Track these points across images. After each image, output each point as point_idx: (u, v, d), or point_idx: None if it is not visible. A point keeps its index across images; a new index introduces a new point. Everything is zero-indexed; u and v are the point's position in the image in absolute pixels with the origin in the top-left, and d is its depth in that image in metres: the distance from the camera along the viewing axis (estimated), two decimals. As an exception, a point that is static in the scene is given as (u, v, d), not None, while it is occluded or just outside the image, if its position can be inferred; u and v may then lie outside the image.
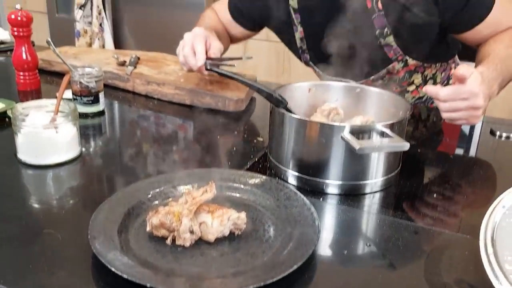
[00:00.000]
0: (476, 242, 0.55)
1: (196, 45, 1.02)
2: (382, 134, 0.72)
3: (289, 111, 0.79)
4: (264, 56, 2.62)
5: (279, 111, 0.77)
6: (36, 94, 1.17)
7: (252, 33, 1.29)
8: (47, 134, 0.77)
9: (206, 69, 1.01)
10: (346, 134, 0.70)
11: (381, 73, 1.11)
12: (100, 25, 2.55)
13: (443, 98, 0.81)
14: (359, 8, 1.02)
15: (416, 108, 1.17)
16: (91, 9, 2.54)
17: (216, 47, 1.04)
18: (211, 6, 1.34)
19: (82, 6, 2.51)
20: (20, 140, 0.78)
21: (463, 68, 0.77)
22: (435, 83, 1.19)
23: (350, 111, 0.91)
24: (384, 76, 1.12)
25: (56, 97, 1.08)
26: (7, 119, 0.97)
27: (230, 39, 1.29)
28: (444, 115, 0.84)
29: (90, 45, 2.58)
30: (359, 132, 0.71)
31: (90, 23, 2.56)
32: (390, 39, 1.04)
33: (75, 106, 0.82)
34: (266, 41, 2.56)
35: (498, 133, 1.01)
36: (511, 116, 2.11)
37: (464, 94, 0.80)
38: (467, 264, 0.58)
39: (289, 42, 1.22)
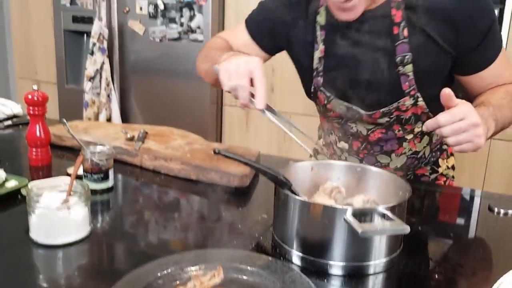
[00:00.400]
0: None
1: (256, 80, 0.93)
2: (384, 216, 0.74)
3: (293, 192, 0.82)
4: (266, 126, 2.69)
5: (284, 193, 0.81)
6: (47, 169, 1.21)
7: (267, 56, 1.27)
8: (60, 215, 0.80)
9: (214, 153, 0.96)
10: (349, 216, 0.73)
11: (391, 107, 1.11)
12: (108, 96, 2.65)
13: (443, 123, 0.87)
14: (384, 33, 1.06)
15: (416, 184, 1.21)
16: (100, 81, 2.65)
17: (263, 91, 0.94)
18: (215, 35, 1.32)
19: (91, 78, 2.63)
20: (34, 220, 0.81)
21: (447, 89, 0.87)
22: (430, 141, 1.22)
23: (352, 189, 0.94)
24: (392, 112, 1.12)
25: (67, 174, 1.13)
26: (19, 196, 1.01)
27: None
28: (450, 140, 0.89)
29: (97, 115, 2.66)
30: (361, 215, 0.74)
31: (99, 94, 2.66)
32: (409, 68, 1.06)
33: (88, 186, 0.86)
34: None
35: (496, 209, 1.04)
36: (508, 191, 2.15)
37: (460, 114, 0.87)
38: None
39: (304, 63, 1.19)
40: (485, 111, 0.97)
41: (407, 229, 0.71)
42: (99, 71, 2.64)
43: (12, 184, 1.02)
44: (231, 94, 0.97)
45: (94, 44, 2.60)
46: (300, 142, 0.96)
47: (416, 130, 1.18)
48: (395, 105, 1.10)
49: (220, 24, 2.60)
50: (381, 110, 1.12)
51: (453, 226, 1.02)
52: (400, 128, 1.16)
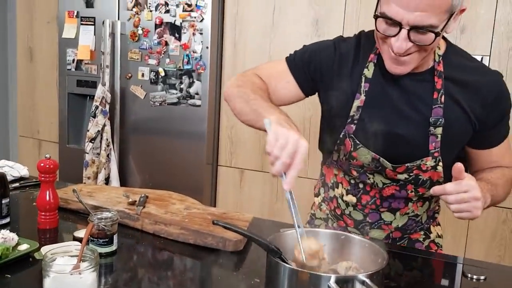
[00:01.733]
0: None
1: (295, 162, 0.94)
2: (363, 283, 0.84)
3: (283, 259, 0.92)
4: (259, 186, 2.80)
5: (274, 260, 0.90)
6: (54, 232, 1.29)
7: (302, 97, 1.34)
8: (73, 279, 0.88)
9: (213, 223, 1.05)
10: (332, 283, 0.82)
11: (415, 163, 1.21)
12: (108, 156, 2.76)
13: (450, 191, 1.03)
14: (424, 95, 1.20)
15: (397, 250, 1.30)
16: (101, 141, 2.77)
17: (295, 175, 0.95)
18: (251, 71, 1.35)
19: (92, 139, 2.75)
20: (48, 283, 0.89)
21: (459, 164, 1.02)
22: (429, 207, 1.34)
23: (336, 256, 1.04)
24: (413, 170, 1.22)
25: (73, 237, 1.21)
26: (30, 259, 1.09)
27: None
28: (453, 207, 1.04)
29: (96, 174, 2.76)
30: (344, 282, 0.83)
31: (98, 154, 2.78)
32: (439, 131, 1.19)
33: (97, 252, 0.95)
34: (261, 171, 2.77)
35: (469, 275, 1.13)
36: (490, 247, 2.24)
37: (465, 186, 1.02)
38: None
39: (341, 110, 1.26)
40: (485, 186, 1.13)
41: (383, 295, 0.80)
42: (100, 132, 2.77)
43: (24, 247, 1.10)
44: (267, 156, 0.98)
45: (96, 107, 2.75)
46: (301, 242, 0.96)
47: (426, 194, 1.29)
48: (418, 162, 1.21)
49: (217, 91, 2.77)
50: (406, 165, 1.22)
51: (430, 291, 1.11)
52: (413, 189, 1.26)
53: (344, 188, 1.34)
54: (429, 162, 1.21)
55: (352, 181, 1.32)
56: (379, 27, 1.12)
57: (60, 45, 3.01)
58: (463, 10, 1.11)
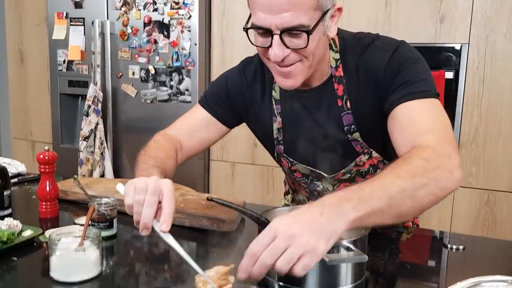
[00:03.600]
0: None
1: (165, 199, 0.92)
2: (347, 249, 0.91)
3: (273, 231, 0.98)
4: (251, 178, 2.86)
5: (265, 232, 0.97)
6: (55, 220, 1.35)
7: (227, 130, 1.34)
8: (77, 256, 0.95)
9: (207, 199, 1.11)
10: (318, 249, 0.89)
11: (350, 166, 1.23)
12: (102, 154, 2.82)
13: (257, 252, 0.79)
14: (331, 105, 1.17)
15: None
16: (94, 140, 2.83)
17: (171, 213, 0.92)
18: (158, 133, 1.39)
19: (86, 138, 2.80)
20: (54, 260, 0.95)
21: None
22: None
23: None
24: (352, 169, 1.24)
25: (74, 223, 1.27)
26: (34, 244, 1.15)
27: (187, 153, 1.33)
28: (282, 270, 0.78)
29: (91, 172, 2.81)
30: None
31: (93, 152, 2.83)
32: (357, 135, 1.18)
33: (99, 232, 1.01)
34: (252, 164, 2.84)
35: (449, 245, 1.21)
36: (474, 228, 2.33)
37: (268, 233, 0.79)
38: None
39: (265, 134, 1.29)
40: (333, 197, 0.84)
41: (365, 257, 0.87)
42: (93, 131, 2.82)
43: (28, 233, 1.16)
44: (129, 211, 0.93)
45: (89, 107, 2.80)
46: (196, 266, 0.91)
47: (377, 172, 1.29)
48: (353, 164, 1.24)
49: (206, 87, 2.83)
50: (342, 171, 1.25)
51: (412, 259, 1.18)
52: (362, 179, 1.28)
53: (303, 196, 1.41)
54: (363, 158, 1.23)
55: (307, 189, 1.36)
56: (255, 41, 1.07)
57: (51, 47, 3.06)
58: (339, 9, 1.07)
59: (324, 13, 1.02)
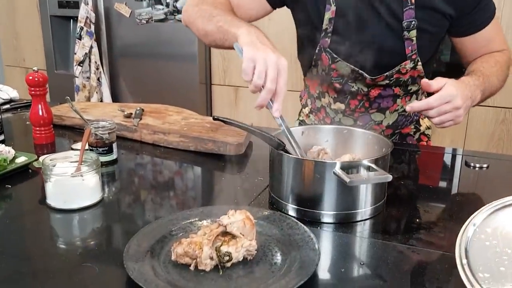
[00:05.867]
0: (454, 257, 0.65)
1: (280, 85, 0.89)
2: (368, 169, 0.83)
3: (287, 152, 0.90)
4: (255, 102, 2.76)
5: (278, 152, 0.89)
6: (51, 147, 1.27)
7: (270, 10, 1.26)
8: (75, 182, 0.87)
9: (213, 119, 1.01)
10: (337, 169, 0.81)
11: (394, 70, 1.19)
12: (98, 79, 2.69)
13: (432, 105, 1.00)
14: None
15: (400, 146, 1.30)
16: (89, 65, 2.69)
17: (282, 99, 0.91)
18: None
19: (80, 63, 2.66)
20: (50, 188, 0.88)
21: (428, 81, 1.01)
22: (416, 99, 1.31)
23: (340, 150, 1.03)
24: (393, 75, 1.21)
25: (72, 149, 1.19)
26: (30, 170, 1.07)
27: None
28: (435, 120, 1.02)
29: (88, 98, 2.71)
30: (349, 168, 0.82)
31: (89, 77, 2.71)
32: (413, 34, 1.15)
33: (97, 156, 0.93)
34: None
35: (472, 164, 1.13)
36: (487, 148, 2.26)
37: (447, 97, 0.99)
38: (446, 276, 0.69)
39: (312, 23, 1.20)
40: (475, 80, 1.08)
41: (389, 177, 0.79)
42: (88, 55, 2.68)
43: (22, 159, 1.08)
44: (243, 79, 0.92)
45: (81, 29, 2.63)
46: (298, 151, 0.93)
47: (410, 89, 1.26)
48: (397, 68, 1.19)
49: (205, 4, 2.65)
50: (385, 74, 1.20)
51: (433, 180, 1.11)
52: (399, 89, 1.25)
53: (331, 97, 1.32)
54: (408, 65, 1.19)
55: (338, 89, 1.29)
56: None
57: (36, -36, 2.84)
58: None
59: None
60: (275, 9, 1.28)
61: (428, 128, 1.40)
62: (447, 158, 1.28)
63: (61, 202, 0.88)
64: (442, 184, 1.10)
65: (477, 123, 2.24)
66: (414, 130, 1.37)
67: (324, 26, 1.19)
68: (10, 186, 0.99)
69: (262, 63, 0.88)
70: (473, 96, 1.05)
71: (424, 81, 1.02)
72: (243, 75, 0.90)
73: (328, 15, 1.18)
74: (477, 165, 1.13)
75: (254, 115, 2.77)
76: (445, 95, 0.99)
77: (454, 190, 1.06)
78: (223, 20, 1.05)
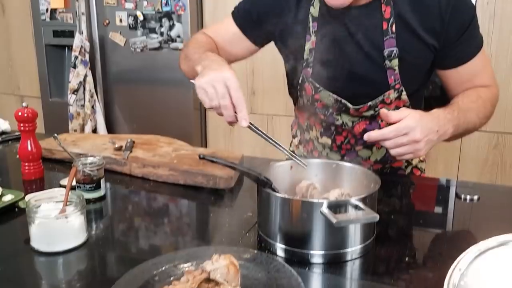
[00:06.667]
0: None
1: (234, 98, 0.94)
2: (356, 207, 0.82)
3: (274, 190, 0.89)
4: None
5: (265, 191, 0.88)
6: (40, 182, 1.26)
7: (255, 48, 1.30)
8: (59, 223, 0.86)
9: (199, 158, 1.00)
10: (325, 209, 0.80)
11: (377, 99, 1.17)
12: (92, 107, 2.70)
13: (387, 136, 0.96)
14: (374, 28, 1.12)
15: (391, 177, 1.29)
16: (84, 93, 2.70)
17: (245, 108, 0.96)
18: (199, 32, 1.34)
19: (75, 91, 2.67)
20: (34, 230, 0.86)
21: (387, 111, 0.97)
22: None
23: (329, 185, 1.02)
24: (377, 105, 1.18)
25: (60, 186, 1.18)
26: (16, 209, 1.06)
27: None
28: (392, 152, 0.98)
29: (83, 126, 2.71)
30: (336, 207, 0.81)
31: (83, 105, 2.71)
32: (395, 63, 1.13)
33: (83, 195, 0.92)
34: (250, 114, 2.72)
35: (463, 196, 1.12)
36: (482, 172, 2.25)
37: (404, 129, 0.95)
38: (436, 321, 0.67)
39: (294, 54, 1.22)
40: (448, 114, 1.03)
41: (376, 217, 0.78)
42: (83, 84, 2.69)
43: (8, 197, 1.07)
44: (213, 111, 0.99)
45: (76, 58, 2.65)
46: (281, 146, 1.01)
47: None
48: (380, 98, 1.17)
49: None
50: (368, 104, 1.18)
51: (423, 214, 1.10)
52: (384, 122, 1.21)
53: (318, 131, 1.31)
54: (392, 95, 1.17)
55: (324, 123, 1.28)
56: None
57: (31, -6, 2.87)
58: None
59: None
60: (262, 46, 1.31)
61: (422, 161, 1.38)
62: (439, 190, 1.27)
63: (45, 245, 0.86)
64: (432, 219, 1.08)
65: (471, 149, 2.24)
66: (406, 164, 1.35)
67: (305, 56, 1.20)
68: (-5, 226, 0.98)
69: (210, 86, 0.94)
70: (441, 130, 1.00)
71: (383, 111, 0.98)
72: (204, 105, 0.97)
73: (308, 45, 1.19)
74: (468, 197, 1.12)
75: (249, 141, 2.77)
76: (401, 128, 0.95)
77: (445, 225, 1.05)
78: (193, 59, 1.11)
